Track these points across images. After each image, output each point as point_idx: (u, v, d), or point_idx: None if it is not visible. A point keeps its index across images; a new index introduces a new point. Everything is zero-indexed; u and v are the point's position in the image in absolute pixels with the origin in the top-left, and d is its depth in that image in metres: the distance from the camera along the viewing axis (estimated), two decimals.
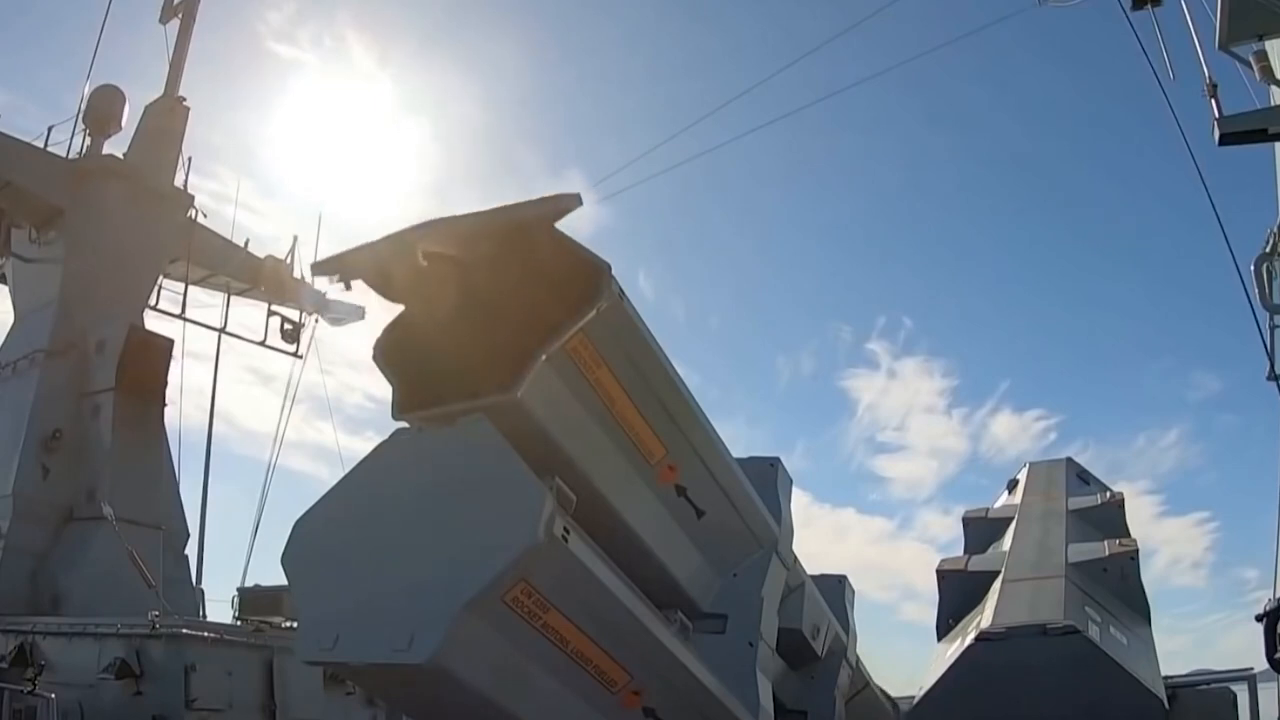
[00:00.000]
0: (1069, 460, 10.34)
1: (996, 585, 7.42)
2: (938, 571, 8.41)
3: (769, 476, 5.65)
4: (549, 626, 3.78)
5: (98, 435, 15.10)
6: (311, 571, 4.09)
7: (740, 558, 5.27)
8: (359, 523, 4.03)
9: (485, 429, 3.78)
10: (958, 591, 8.01)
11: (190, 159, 17.77)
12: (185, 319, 17.30)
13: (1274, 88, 9.61)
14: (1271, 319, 8.95)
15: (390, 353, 4.24)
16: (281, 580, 4.53)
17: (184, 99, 17.85)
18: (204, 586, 16.19)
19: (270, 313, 18.79)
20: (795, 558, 5.93)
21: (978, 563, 8.35)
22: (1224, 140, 8.17)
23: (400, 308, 4.32)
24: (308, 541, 4.15)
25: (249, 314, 18.92)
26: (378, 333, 4.32)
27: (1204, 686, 7.30)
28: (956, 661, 6.42)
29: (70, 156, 16.92)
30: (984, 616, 6.84)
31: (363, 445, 4.92)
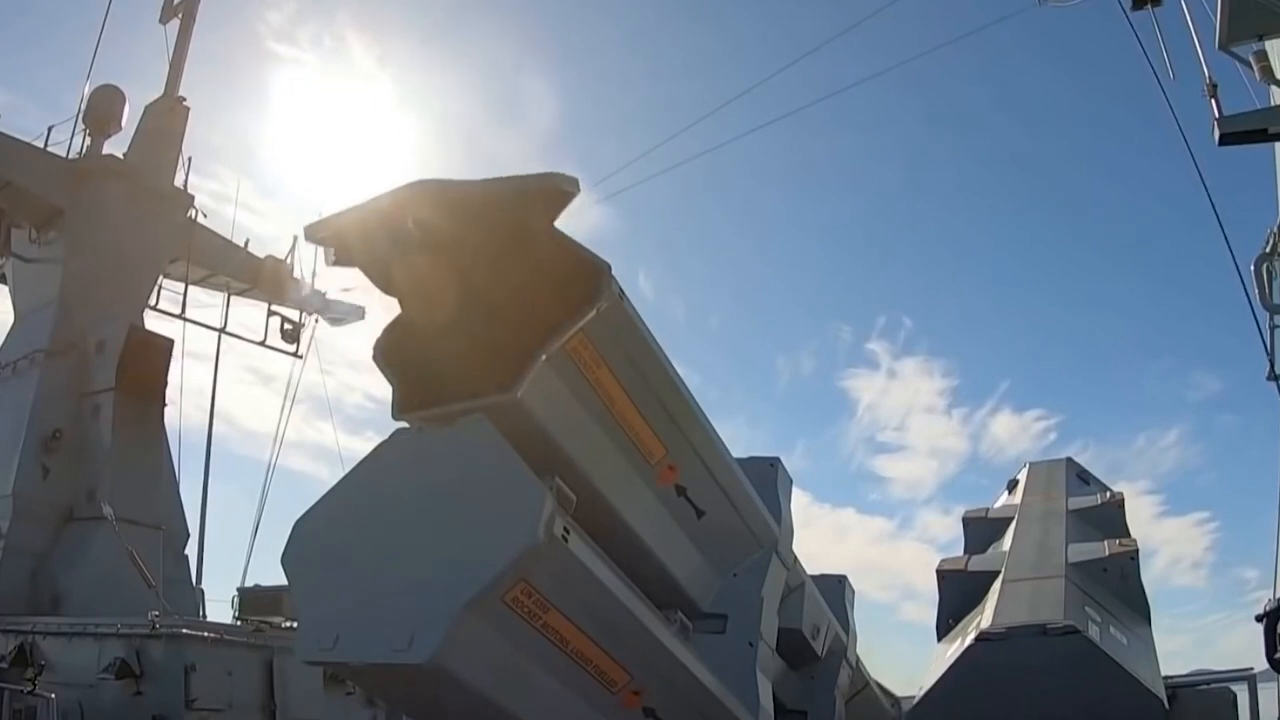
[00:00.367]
0: (1069, 460, 10.34)
1: (996, 585, 7.42)
2: (938, 571, 8.40)
3: (769, 476, 5.65)
4: (549, 626, 3.78)
5: (98, 435, 15.11)
6: (311, 571, 4.09)
7: (740, 558, 5.28)
8: (359, 523, 4.03)
9: (485, 429, 3.78)
10: (958, 591, 8.00)
11: (190, 159, 17.81)
12: (185, 319, 17.33)
13: (1274, 88, 9.61)
14: (1271, 319, 8.95)
15: (390, 353, 4.24)
16: (281, 580, 4.53)
17: (184, 99, 17.86)
18: (204, 586, 16.22)
19: (270, 313, 18.81)
20: (795, 558, 5.93)
21: (978, 563, 8.34)
22: (1224, 140, 8.17)
23: (400, 307, 4.32)
24: (308, 541, 4.15)
25: (249, 314, 18.95)
26: (378, 333, 4.32)
27: (1204, 686, 7.29)
28: (956, 661, 6.42)
29: (70, 156, 16.92)
30: (984, 616, 6.83)
31: (363, 445, 4.92)
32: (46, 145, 16.80)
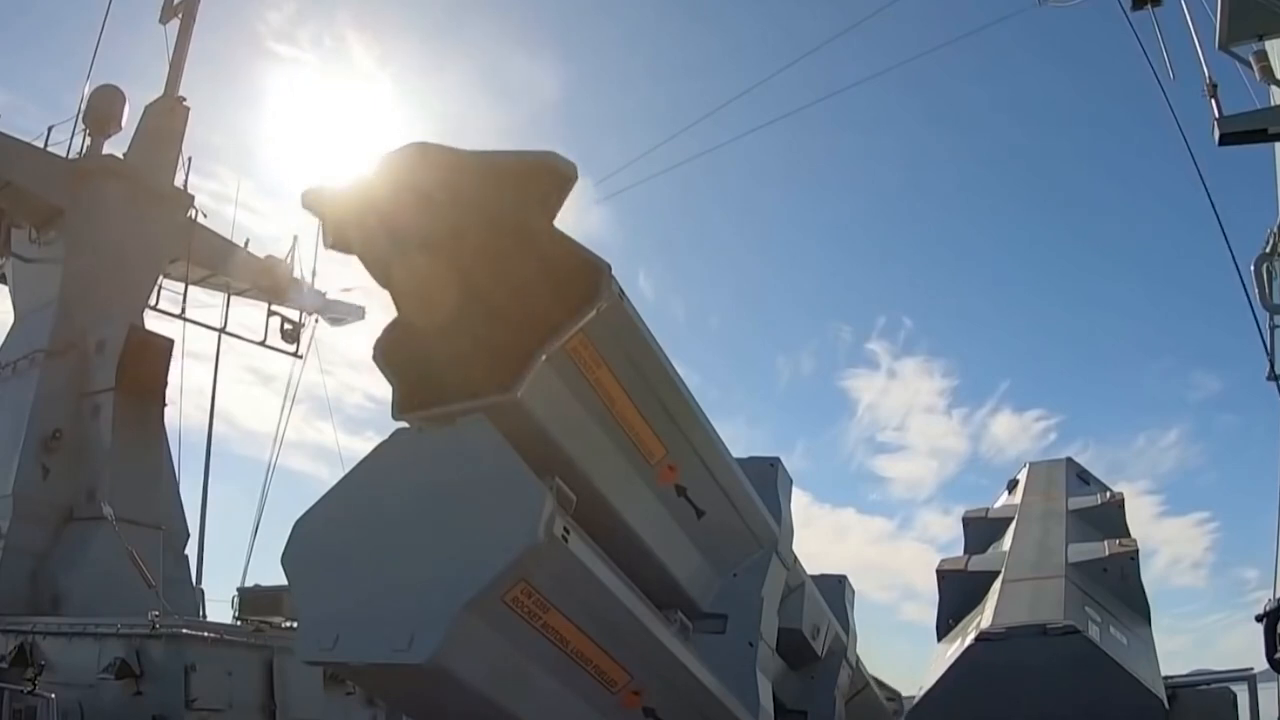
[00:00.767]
0: (1069, 460, 10.33)
1: (996, 585, 7.42)
2: (938, 571, 8.40)
3: (769, 476, 5.65)
4: (549, 626, 3.78)
5: (98, 435, 15.11)
6: (311, 571, 4.09)
7: (740, 558, 5.27)
8: (359, 523, 4.03)
9: (485, 429, 3.78)
10: (958, 591, 8.00)
11: (190, 159, 17.83)
12: (185, 319, 17.34)
13: (1274, 88, 9.61)
14: (1271, 319, 8.95)
15: (390, 353, 4.24)
16: (281, 580, 4.53)
17: (184, 99, 17.87)
18: (204, 586, 16.23)
19: (270, 313, 18.82)
20: (795, 558, 5.93)
21: (978, 563, 8.34)
22: (1224, 140, 8.17)
23: (395, 307, 4.32)
24: (308, 541, 4.15)
25: (249, 314, 18.96)
26: (378, 333, 4.32)
27: (1204, 686, 7.29)
28: (956, 661, 6.42)
29: (70, 156, 16.93)
30: (984, 616, 6.83)
31: (363, 445, 4.93)
32: (46, 145, 16.81)
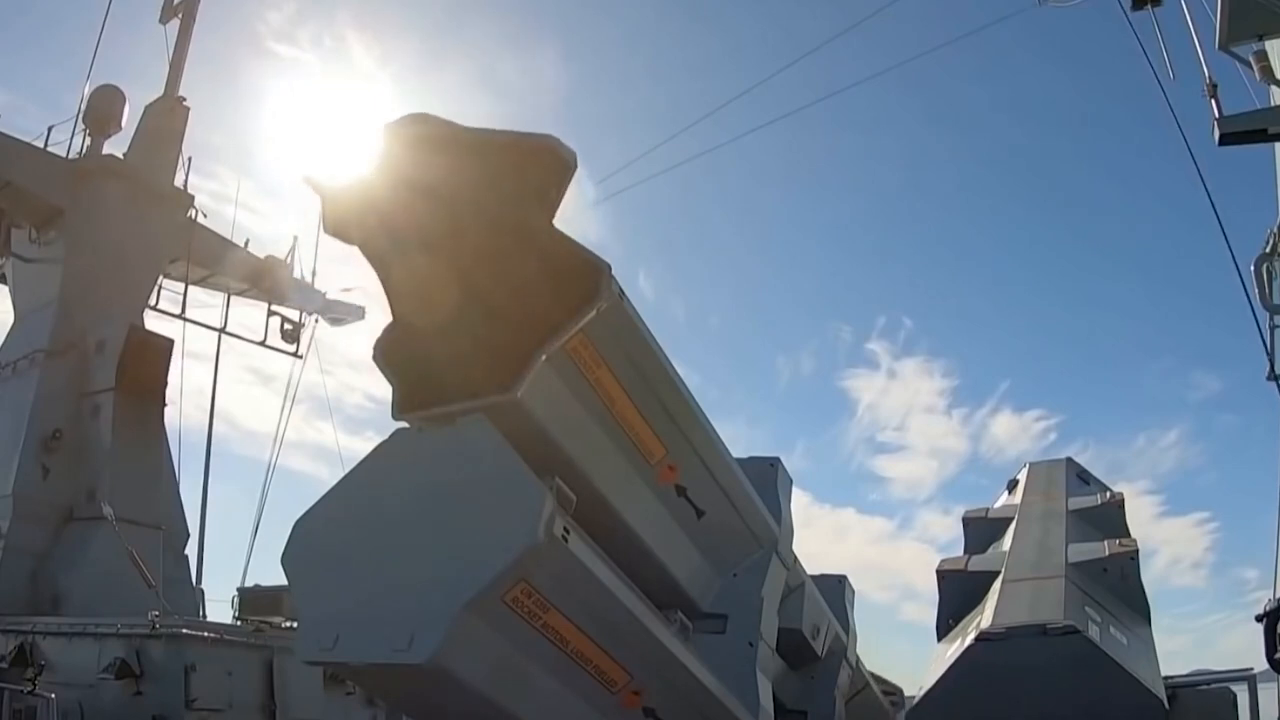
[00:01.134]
0: (1069, 460, 10.33)
1: (996, 585, 7.42)
2: (938, 571, 8.40)
3: (769, 476, 5.65)
4: (549, 627, 3.78)
5: (98, 435, 15.11)
6: (311, 571, 4.09)
7: (740, 558, 5.27)
8: (359, 523, 4.03)
9: (485, 429, 3.78)
10: (958, 591, 8.00)
11: (190, 159, 17.83)
12: (185, 319, 17.34)
13: (1274, 88, 9.61)
14: (1271, 319, 8.95)
15: (390, 352, 4.24)
16: (281, 580, 4.54)
17: (184, 99, 17.87)
18: (204, 586, 16.23)
19: (270, 313, 18.83)
20: (795, 558, 5.93)
21: (978, 563, 8.34)
22: (1224, 140, 8.17)
23: (400, 308, 4.32)
24: (308, 541, 4.15)
25: (249, 314, 18.97)
26: (378, 333, 4.32)
27: (1204, 686, 7.29)
28: (956, 661, 6.42)
29: (70, 156, 16.93)
30: (984, 616, 6.83)
31: (363, 445, 4.93)
32: (46, 145, 16.81)
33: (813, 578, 6.48)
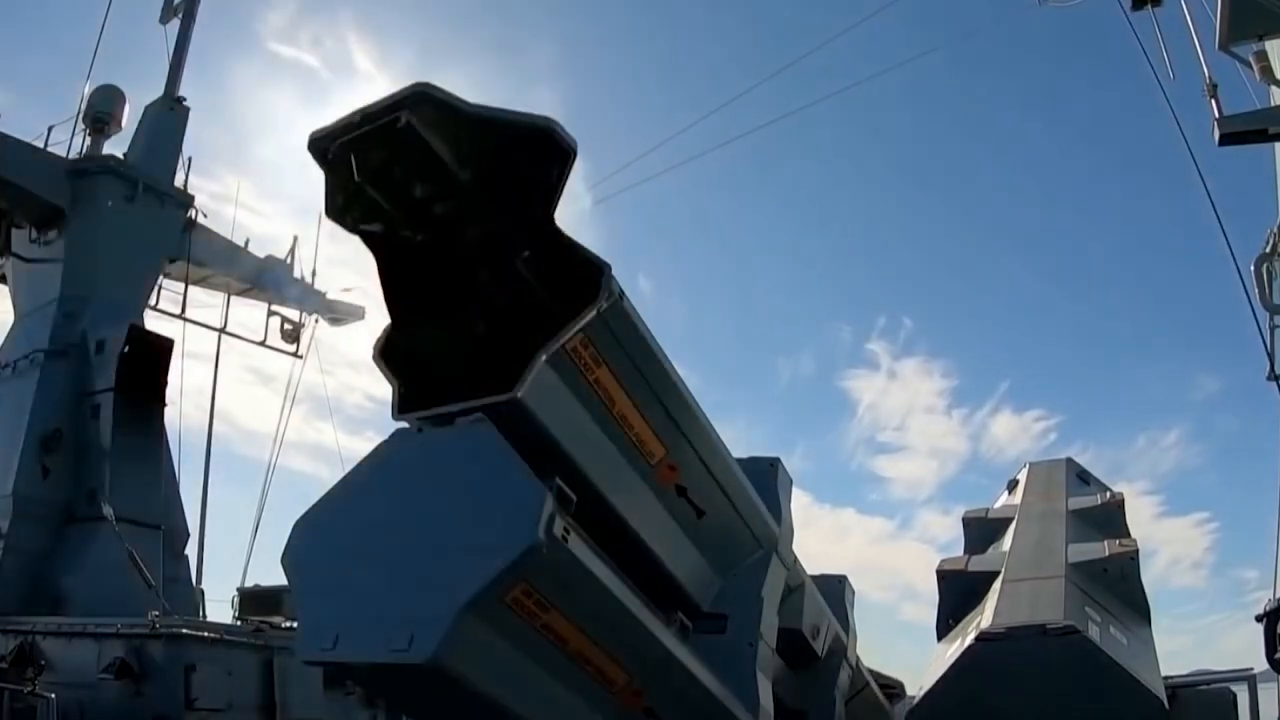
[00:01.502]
0: (1069, 460, 10.34)
1: (996, 585, 7.42)
2: (938, 571, 8.41)
3: (769, 477, 5.65)
4: (549, 627, 3.78)
5: (98, 435, 15.08)
6: (311, 571, 4.10)
7: (740, 558, 5.28)
8: (359, 523, 4.03)
9: (485, 429, 3.78)
10: (958, 591, 8.00)
11: (190, 159, 17.79)
12: (185, 319, 17.32)
13: (1274, 88, 9.61)
14: (1271, 319, 8.94)
15: (390, 353, 4.24)
16: (281, 580, 4.53)
17: (184, 99, 17.85)
18: (204, 586, 16.20)
19: (270, 313, 18.83)
20: (795, 558, 5.93)
21: (978, 563, 8.34)
22: (1224, 140, 8.17)
23: (399, 308, 4.32)
24: (307, 541, 4.15)
25: (249, 314, 18.96)
26: (378, 333, 4.33)
27: (1204, 686, 7.30)
28: (956, 661, 6.42)
29: (70, 156, 16.92)
30: (984, 616, 6.84)
31: (363, 445, 4.94)
32: (46, 145, 16.79)
33: (813, 578, 6.49)
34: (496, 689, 3.77)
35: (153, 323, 16.83)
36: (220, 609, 15.06)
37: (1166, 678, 6.72)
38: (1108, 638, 6.34)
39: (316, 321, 19.42)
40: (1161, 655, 7.03)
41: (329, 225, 4.24)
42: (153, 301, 17.20)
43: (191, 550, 16.14)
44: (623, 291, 4.06)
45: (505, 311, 4.30)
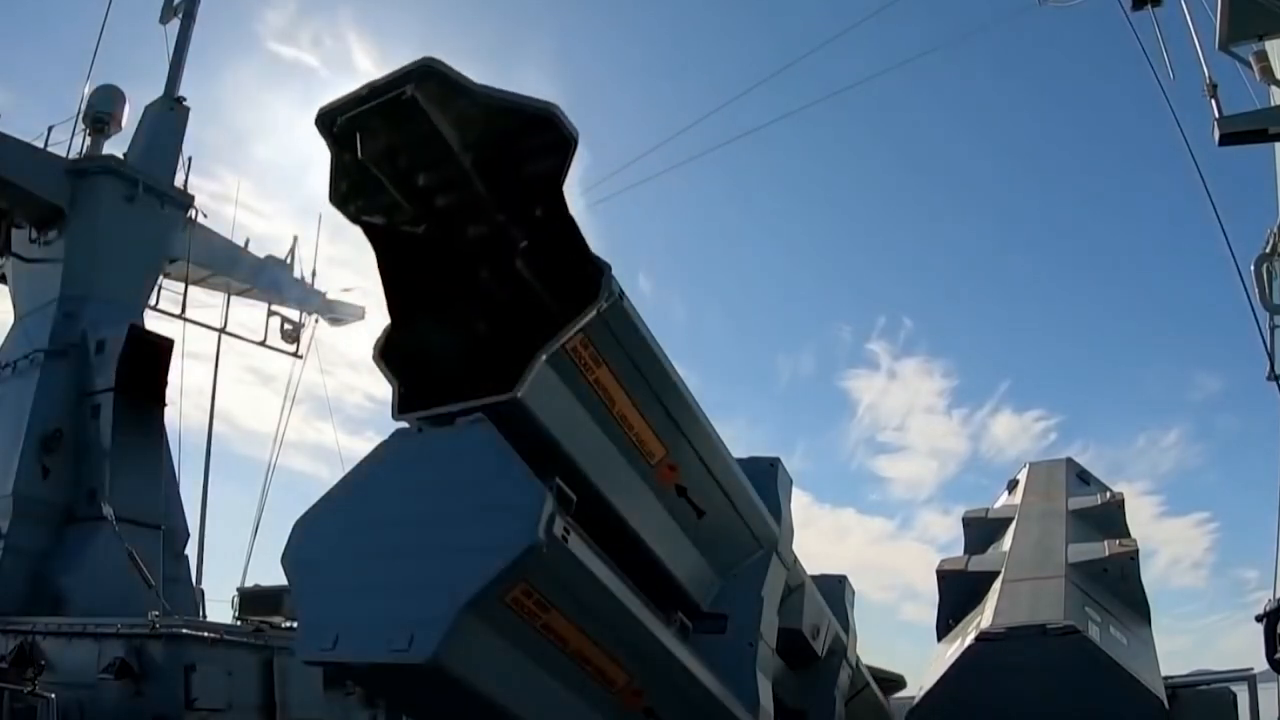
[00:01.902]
0: (1069, 460, 10.34)
1: (996, 585, 7.42)
2: (938, 571, 8.41)
3: (769, 476, 5.66)
4: (549, 627, 3.78)
5: (98, 435, 15.08)
6: (311, 571, 4.10)
7: (740, 558, 5.28)
8: (359, 522, 4.03)
9: (485, 429, 3.78)
10: (958, 591, 8.01)
11: (190, 159, 17.79)
12: (185, 319, 17.30)
13: (1274, 88, 9.60)
14: (1271, 319, 8.94)
15: (390, 353, 4.24)
16: (281, 580, 4.54)
17: (184, 99, 17.85)
18: (204, 586, 16.19)
19: (270, 313, 18.84)
20: (795, 558, 5.93)
21: (978, 563, 8.34)
22: (1224, 140, 8.17)
23: (399, 304, 4.32)
24: (308, 541, 4.15)
25: (249, 314, 18.95)
26: (378, 333, 4.33)
27: (1204, 686, 7.29)
28: (956, 661, 6.42)
29: (70, 156, 16.92)
30: (984, 616, 6.84)
31: (363, 445, 4.94)
32: (46, 145, 16.79)
33: (813, 578, 6.49)
34: (496, 689, 3.77)
35: (153, 323, 16.83)
36: (220, 609, 15.07)
37: (1166, 678, 6.72)
38: (1108, 638, 6.34)
39: (316, 321, 19.44)
40: (1161, 655, 7.04)
41: (329, 225, 4.28)
42: (153, 301, 17.20)
43: (191, 550, 16.14)
44: (623, 291, 4.06)
45: (505, 311, 4.30)
